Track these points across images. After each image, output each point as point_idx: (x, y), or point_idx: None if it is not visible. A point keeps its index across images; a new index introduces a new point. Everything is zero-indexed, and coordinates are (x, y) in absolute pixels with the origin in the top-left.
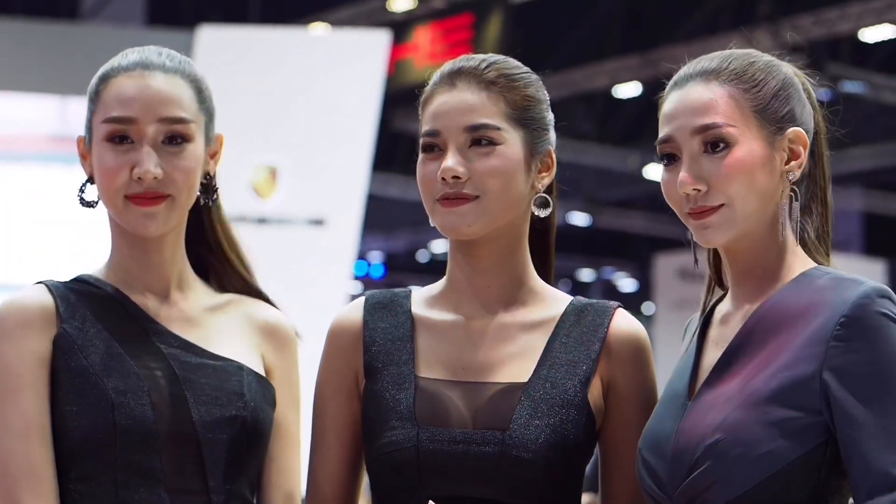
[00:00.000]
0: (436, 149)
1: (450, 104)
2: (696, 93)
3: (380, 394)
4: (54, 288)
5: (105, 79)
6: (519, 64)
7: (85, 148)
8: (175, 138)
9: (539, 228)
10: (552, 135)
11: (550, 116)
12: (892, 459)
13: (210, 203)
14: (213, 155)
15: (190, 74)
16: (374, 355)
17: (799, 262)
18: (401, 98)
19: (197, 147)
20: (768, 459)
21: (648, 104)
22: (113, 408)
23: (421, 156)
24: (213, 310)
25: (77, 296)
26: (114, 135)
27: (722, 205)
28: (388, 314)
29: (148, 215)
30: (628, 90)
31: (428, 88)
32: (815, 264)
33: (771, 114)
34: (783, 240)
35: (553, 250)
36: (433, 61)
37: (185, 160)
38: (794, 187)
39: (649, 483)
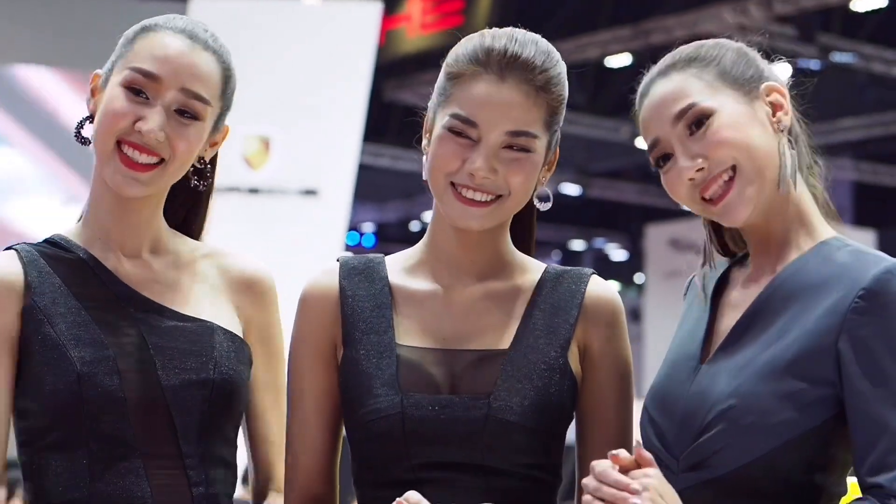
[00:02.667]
0: (465, 136)
1: (496, 100)
2: (660, 89)
3: (360, 363)
4: (25, 254)
5: (148, 29)
6: (553, 53)
7: (98, 85)
8: (187, 111)
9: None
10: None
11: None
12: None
13: (201, 187)
14: (213, 144)
15: (225, 62)
16: (353, 324)
17: (818, 228)
18: (392, 68)
19: (203, 128)
20: (779, 430)
21: (640, 75)
22: (79, 378)
23: (444, 132)
24: (187, 266)
25: (48, 261)
26: (133, 84)
27: (732, 178)
28: (365, 281)
29: (133, 178)
30: (620, 61)
31: (466, 59)
32: (835, 233)
33: (737, 77)
34: (796, 199)
35: (535, 224)
36: (425, 31)
37: (189, 133)
38: (789, 137)
39: (654, 442)
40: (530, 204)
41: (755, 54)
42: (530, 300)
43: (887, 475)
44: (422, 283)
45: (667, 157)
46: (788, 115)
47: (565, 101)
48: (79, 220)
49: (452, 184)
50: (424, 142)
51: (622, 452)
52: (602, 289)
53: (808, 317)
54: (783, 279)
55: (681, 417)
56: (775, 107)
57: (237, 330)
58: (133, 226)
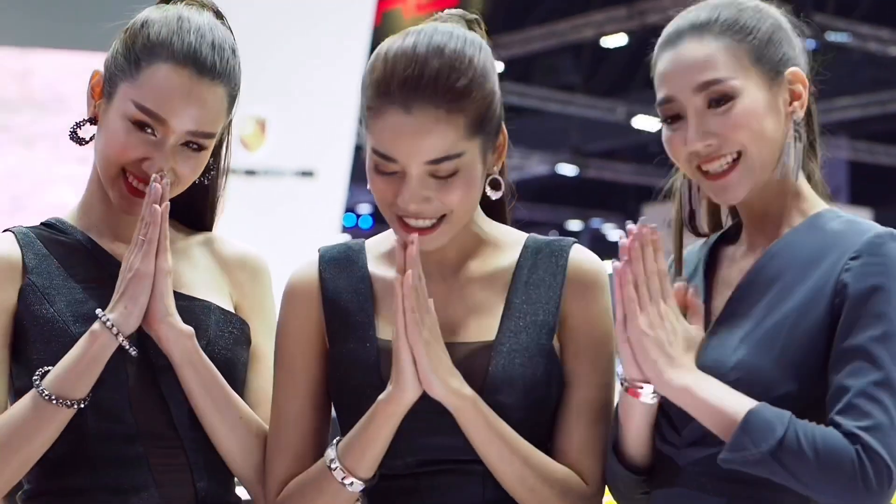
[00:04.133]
0: (390, 171)
1: (406, 133)
2: (691, 50)
3: (343, 356)
4: (22, 236)
5: (151, 54)
6: (465, 54)
7: (99, 92)
8: (196, 145)
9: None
10: (500, 107)
11: (497, 91)
12: (862, 386)
13: (206, 181)
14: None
15: (232, 80)
16: (335, 319)
17: (810, 203)
18: None
19: (209, 150)
20: (784, 401)
21: (635, 55)
22: None
23: (372, 167)
24: (182, 250)
25: (45, 243)
26: (139, 122)
27: (738, 159)
28: (345, 272)
29: (136, 204)
30: (615, 41)
31: (373, 98)
32: (827, 206)
33: (767, 59)
34: (794, 181)
35: (506, 206)
36: (420, 12)
37: (198, 163)
38: (798, 128)
39: (658, 417)
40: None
41: (788, 30)
42: (511, 283)
43: (856, 421)
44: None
45: (677, 118)
46: (804, 108)
47: (493, 97)
48: (77, 206)
49: (398, 215)
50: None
51: (682, 283)
52: (583, 262)
53: (803, 286)
54: (776, 251)
55: None
56: (794, 95)
57: (231, 309)
58: (132, 219)
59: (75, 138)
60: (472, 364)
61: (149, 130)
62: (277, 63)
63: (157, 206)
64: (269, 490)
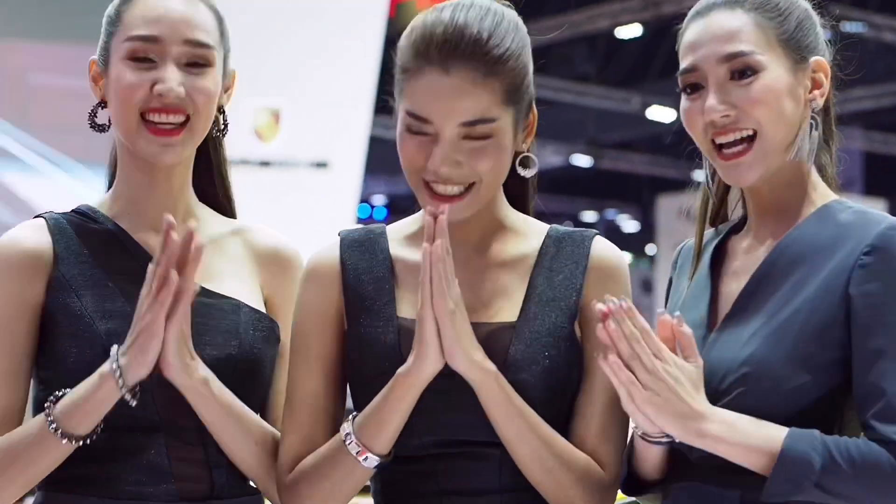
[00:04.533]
0: (423, 133)
1: (444, 93)
2: (721, 20)
3: (363, 337)
4: (53, 224)
5: (128, 0)
6: (504, 25)
7: (98, 71)
8: (198, 62)
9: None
10: (532, 84)
11: (531, 67)
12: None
13: (221, 135)
14: (226, 89)
15: (212, 6)
16: (355, 298)
17: (820, 194)
18: None
19: (215, 74)
20: (794, 396)
21: (650, 46)
22: (105, 352)
23: (403, 130)
24: (215, 242)
25: (76, 231)
26: (136, 53)
27: (753, 138)
28: (366, 253)
29: (165, 145)
30: (630, 31)
31: (410, 60)
32: (836, 197)
33: (795, 43)
34: (805, 170)
35: (530, 190)
36: (434, 2)
37: (207, 82)
38: (815, 116)
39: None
40: (518, 173)
41: (816, 20)
42: (533, 268)
43: (885, 427)
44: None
45: (696, 87)
46: (824, 98)
47: (527, 71)
48: (107, 192)
49: (424, 181)
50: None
51: (666, 316)
52: (605, 251)
53: (815, 279)
54: (787, 243)
55: None
56: (815, 84)
57: (261, 306)
58: (164, 195)
59: (95, 126)
60: (494, 344)
61: (148, 61)
62: (291, 54)
63: (173, 271)
64: (281, 469)
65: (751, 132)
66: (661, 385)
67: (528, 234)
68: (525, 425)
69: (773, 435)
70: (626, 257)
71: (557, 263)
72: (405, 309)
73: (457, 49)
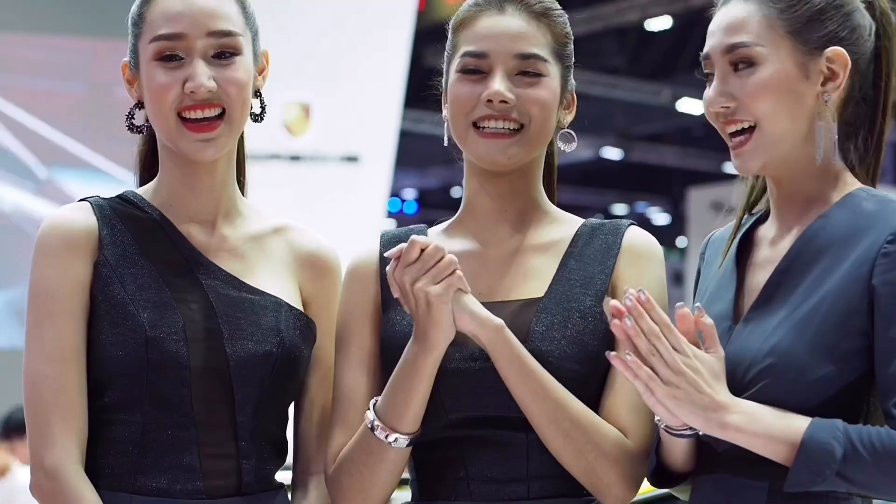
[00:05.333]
0: (478, 72)
1: (500, 28)
2: (731, 11)
3: (396, 322)
4: (99, 208)
5: (148, 0)
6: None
7: (131, 73)
8: (224, 52)
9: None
10: (572, 60)
11: (571, 37)
12: None
13: (260, 119)
14: (261, 71)
15: None
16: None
17: (844, 184)
18: (432, 33)
19: (247, 60)
20: (818, 386)
21: (680, 38)
22: (147, 342)
23: (457, 76)
24: (257, 239)
25: (121, 218)
26: (163, 52)
27: (753, 128)
28: None
29: (205, 140)
30: (660, 23)
31: (466, 8)
32: (861, 185)
33: (806, 34)
34: (826, 162)
35: (556, 170)
36: None
37: (236, 72)
38: (828, 108)
39: None
40: (552, 150)
41: (849, 9)
42: (566, 251)
43: None
44: (459, 243)
45: (711, 75)
46: (840, 90)
47: (570, 38)
48: (152, 186)
49: (474, 124)
50: (444, 111)
51: (685, 309)
52: (639, 236)
53: (839, 269)
54: (812, 233)
55: None
56: (832, 74)
57: (300, 306)
58: (206, 190)
59: (132, 128)
60: (518, 318)
61: (176, 59)
62: (322, 48)
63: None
64: (327, 463)
65: (751, 123)
66: (681, 378)
67: (563, 222)
68: (538, 385)
69: (795, 425)
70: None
71: (591, 248)
72: None
73: None
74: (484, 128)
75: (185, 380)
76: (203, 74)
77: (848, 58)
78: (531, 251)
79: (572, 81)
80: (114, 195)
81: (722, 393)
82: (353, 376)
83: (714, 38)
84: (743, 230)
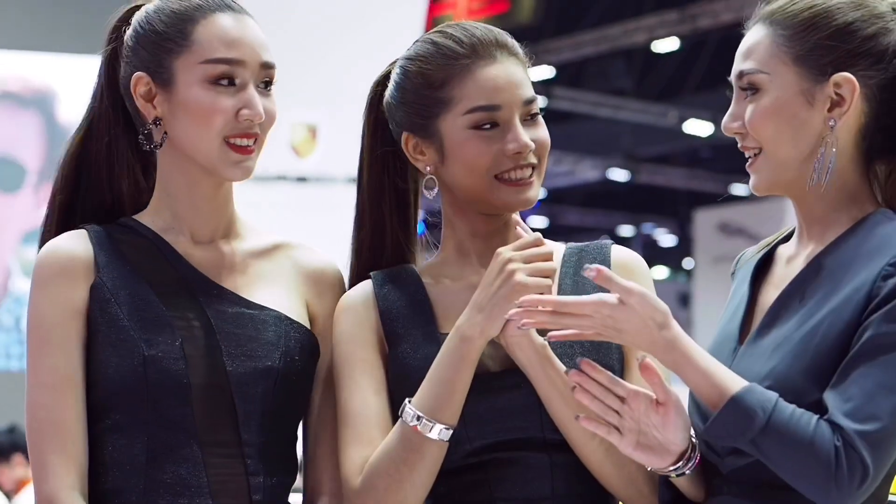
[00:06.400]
0: (491, 124)
1: (504, 78)
2: (750, 36)
3: (407, 355)
4: (93, 234)
5: (194, 19)
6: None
7: (153, 90)
8: (268, 83)
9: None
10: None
11: None
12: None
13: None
14: None
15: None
16: (393, 322)
17: (863, 206)
18: None
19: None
20: (815, 409)
21: (687, 59)
22: (144, 361)
23: (468, 132)
24: (258, 255)
25: (116, 241)
26: (220, 76)
27: (761, 150)
28: (399, 284)
29: (246, 161)
30: (667, 45)
31: (447, 63)
32: (882, 209)
33: (812, 60)
34: (844, 182)
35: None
36: (471, 18)
37: (273, 104)
38: (834, 134)
39: (700, 427)
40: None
41: (869, 32)
42: (559, 277)
43: (853, 422)
44: (453, 278)
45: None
46: (847, 115)
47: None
48: (149, 209)
49: (496, 177)
50: (427, 168)
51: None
52: (625, 252)
53: (841, 292)
54: (824, 255)
55: None
56: (838, 101)
57: (305, 321)
58: (207, 212)
59: (149, 144)
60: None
61: (227, 82)
62: (328, 69)
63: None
64: (349, 478)
65: (758, 147)
66: (633, 423)
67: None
68: (565, 386)
69: (736, 380)
70: (664, 271)
71: (578, 273)
72: (446, 325)
73: (496, 40)
74: (509, 178)
75: (186, 398)
76: (259, 104)
77: (856, 83)
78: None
79: None
80: (110, 223)
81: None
82: (363, 396)
83: (736, 61)
84: (767, 248)
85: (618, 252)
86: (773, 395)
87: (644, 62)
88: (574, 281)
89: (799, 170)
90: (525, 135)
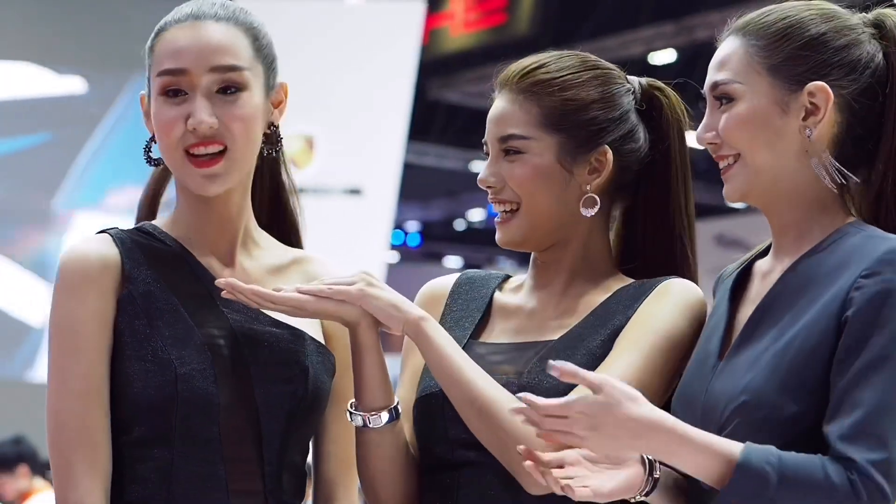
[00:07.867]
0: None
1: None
2: (723, 48)
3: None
4: (120, 240)
5: (158, 33)
6: (566, 65)
7: (147, 106)
8: (229, 87)
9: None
10: (608, 134)
11: (609, 115)
12: (844, 430)
13: (275, 153)
14: (277, 104)
15: (244, 22)
16: (447, 317)
17: (835, 218)
18: (436, 67)
19: (253, 96)
20: (790, 424)
21: (683, 71)
22: (177, 378)
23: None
24: (276, 271)
25: (142, 250)
26: (167, 88)
27: (737, 158)
28: (472, 290)
29: (207, 176)
30: (664, 57)
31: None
32: (853, 220)
33: (785, 70)
34: (815, 194)
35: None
36: (468, 30)
37: (240, 108)
38: (815, 143)
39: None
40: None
41: (841, 43)
42: (603, 301)
43: (861, 451)
44: (518, 297)
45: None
46: (821, 124)
47: (579, 102)
48: (170, 218)
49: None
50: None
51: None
52: (672, 280)
53: (815, 305)
54: (796, 269)
55: (701, 415)
56: (812, 110)
57: (321, 339)
58: (221, 222)
59: (150, 161)
60: (524, 355)
61: (181, 94)
62: (325, 81)
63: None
64: None
65: (734, 156)
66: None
67: (620, 281)
68: (455, 369)
69: (731, 443)
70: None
71: (625, 297)
72: (480, 335)
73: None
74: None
75: (215, 416)
76: (203, 111)
77: (830, 92)
78: (577, 306)
79: (599, 143)
80: (131, 227)
81: (635, 416)
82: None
83: (708, 74)
84: (745, 264)
85: (669, 280)
86: (769, 446)
87: (641, 74)
88: (608, 307)
89: (775, 178)
90: (485, 170)
